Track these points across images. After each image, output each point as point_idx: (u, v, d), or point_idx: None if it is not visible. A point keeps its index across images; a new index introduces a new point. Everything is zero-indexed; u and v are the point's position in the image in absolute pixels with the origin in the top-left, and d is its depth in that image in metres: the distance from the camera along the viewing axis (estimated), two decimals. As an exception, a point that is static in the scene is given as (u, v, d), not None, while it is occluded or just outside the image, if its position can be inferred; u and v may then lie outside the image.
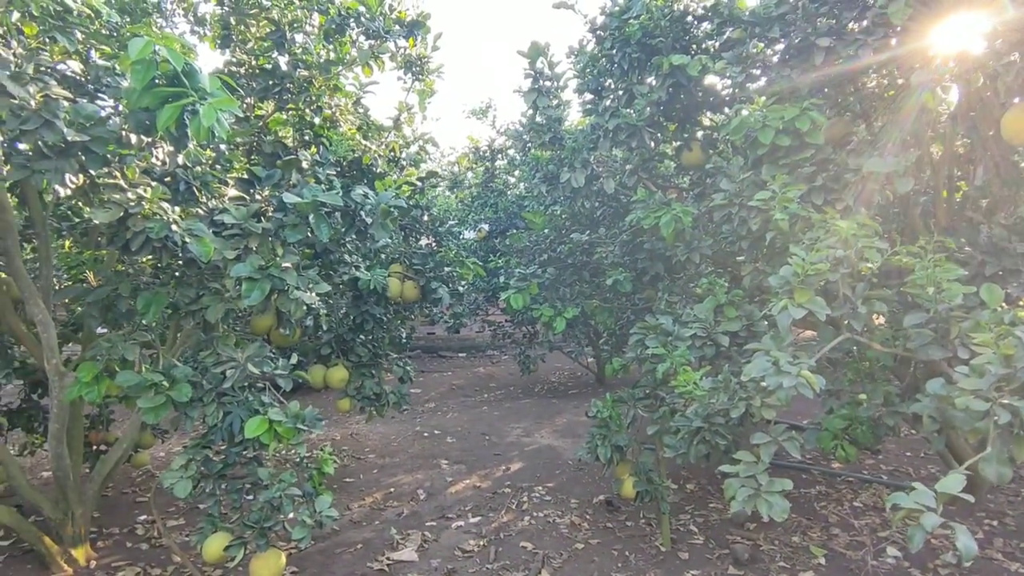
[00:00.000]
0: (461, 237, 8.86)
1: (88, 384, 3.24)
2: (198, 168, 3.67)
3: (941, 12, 2.82)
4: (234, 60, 4.51)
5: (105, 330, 3.95)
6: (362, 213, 3.33)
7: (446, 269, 5.11)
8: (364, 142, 4.53)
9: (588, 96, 4.76)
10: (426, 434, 7.21)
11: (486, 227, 8.96)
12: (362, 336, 5.20)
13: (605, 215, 5.48)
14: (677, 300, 4.25)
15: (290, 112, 4.25)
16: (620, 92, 4.41)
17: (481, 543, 4.34)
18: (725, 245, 4.18)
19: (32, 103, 2.68)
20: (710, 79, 4.37)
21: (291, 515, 3.22)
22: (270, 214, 3.17)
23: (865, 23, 3.23)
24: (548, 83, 4.82)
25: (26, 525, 3.97)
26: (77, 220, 4.34)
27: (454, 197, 9.76)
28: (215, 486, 3.27)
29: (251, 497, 3.38)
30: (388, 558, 4.15)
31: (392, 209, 3.33)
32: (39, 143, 2.75)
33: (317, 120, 4.18)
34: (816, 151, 3.42)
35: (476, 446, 6.68)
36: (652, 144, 4.71)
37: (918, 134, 3.63)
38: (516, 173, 9.17)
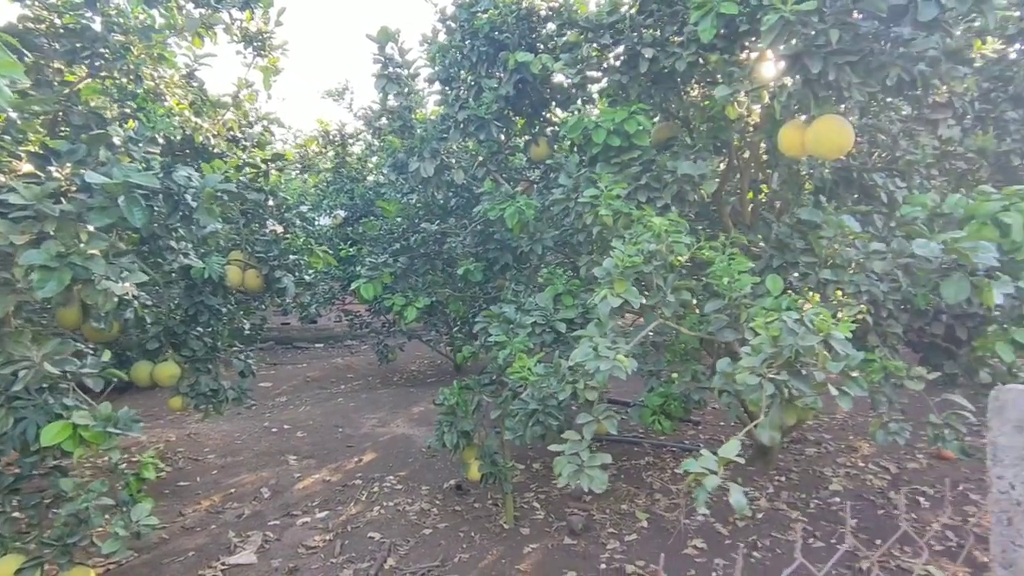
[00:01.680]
0: (316, 223, 8.50)
1: None
2: (-21, 138, 3.17)
3: (740, 36, 3.21)
4: (31, 16, 3.93)
5: None
6: (187, 196, 3.08)
7: (292, 257, 4.89)
8: (195, 119, 4.18)
9: (439, 86, 4.78)
10: (275, 430, 6.87)
11: (342, 213, 8.67)
12: (197, 328, 4.82)
13: (458, 205, 5.55)
14: (523, 289, 4.44)
15: (106, 81, 3.79)
16: (470, 83, 4.48)
17: (327, 538, 4.26)
18: (567, 237, 4.43)
19: None
20: (559, 77, 4.58)
21: (101, 528, 2.93)
22: (72, 195, 2.83)
23: (682, 38, 3.57)
24: (398, 70, 4.76)
25: None
26: None
27: (309, 181, 9.32)
28: (4, 502, 2.89)
29: (55, 511, 3.03)
30: (223, 563, 3.93)
31: (220, 193, 3.11)
32: None
33: (140, 91, 3.78)
34: (642, 152, 3.74)
35: (328, 439, 6.49)
36: (502, 137, 4.85)
37: (727, 141, 4.11)
38: (373, 159, 8.96)
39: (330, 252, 5.47)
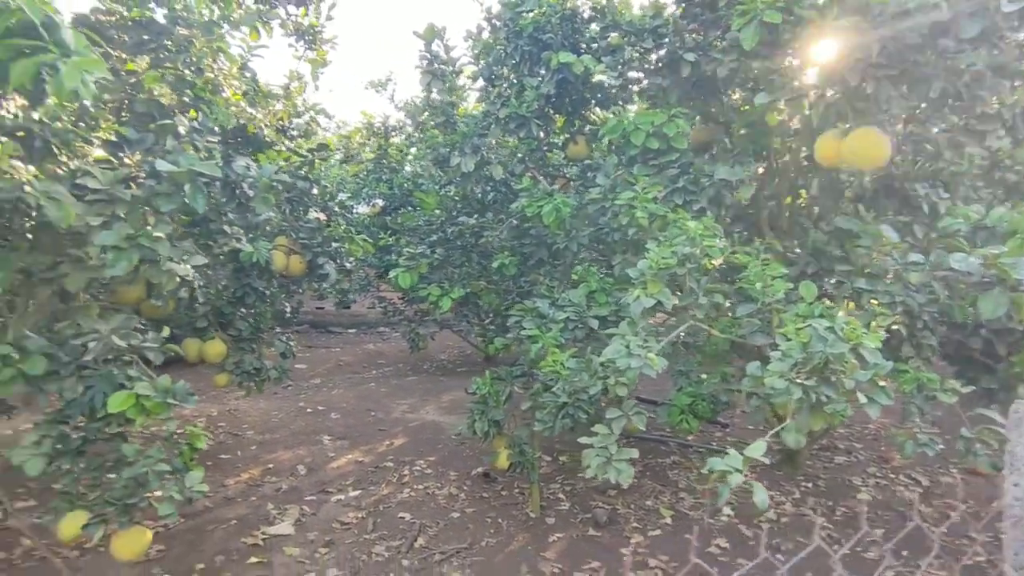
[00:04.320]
0: (354, 212, 8.72)
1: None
2: (57, 124, 3.41)
3: (782, 44, 3.23)
4: (103, 8, 4.17)
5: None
6: (244, 185, 3.26)
7: (334, 245, 5.08)
8: (250, 110, 4.38)
9: (482, 83, 4.89)
10: (309, 410, 7.13)
11: (380, 203, 8.87)
12: (243, 309, 5.06)
13: (495, 200, 5.66)
14: (557, 285, 4.54)
15: (168, 71, 4.00)
16: (513, 81, 4.58)
17: (360, 515, 4.45)
18: (602, 235, 4.51)
19: None
20: (600, 77, 4.65)
21: (158, 492, 3.15)
22: (141, 180, 3.03)
23: (724, 44, 3.60)
24: (443, 67, 4.88)
25: None
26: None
27: (348, 170, 9.56)
28: (73, 463, 3.13)
29: (114, 475, 3.26)
30: (263, 532, 4.15)
31: (275, 183, 3.29)
32: None
33: (199, 82, 3.99)
34: (680, 155, 3.79)
35: (361, 422, 6.71)
36: (541, 135, 4.94)
37: (766, 146, 4.12)
38: (413, 151, 9.13)
39: (369, 240, 5.64)
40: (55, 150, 3.32)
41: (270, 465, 5.40)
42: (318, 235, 5.07)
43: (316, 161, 5.14)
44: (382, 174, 8.46)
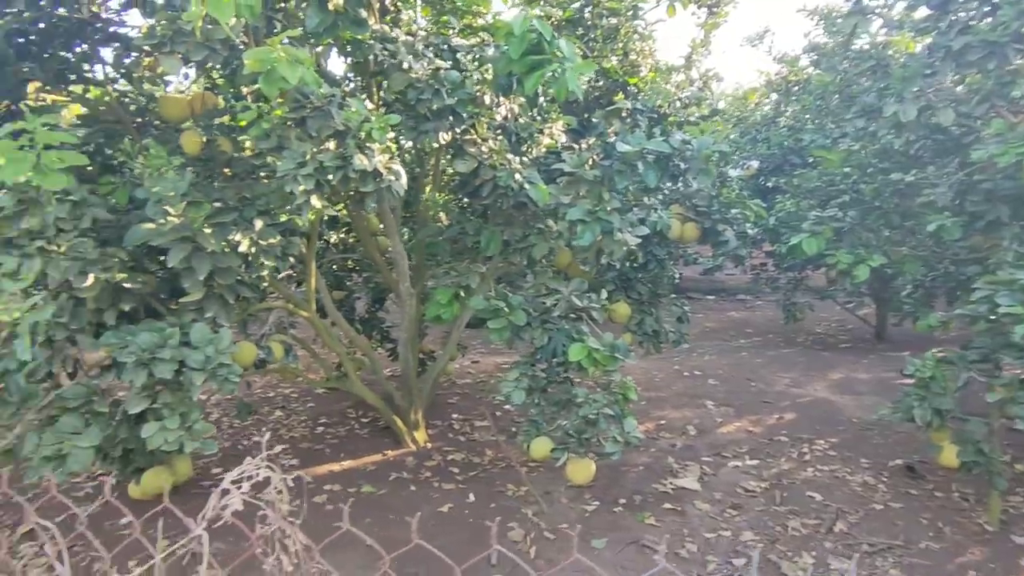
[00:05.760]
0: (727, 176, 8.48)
1: (444, 305, 3.99)
2: (521, 120, 4.13)
3: None
4: (541, 14, 4.86)
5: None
6: (677, 159, 3.44)
7: (732, 211, 5.02)
8: (665, 86, 4.59)
9: (924, 12, 4.11)
10: (686, 374, 7.35)
11: (755, 164, 8.43)
12: (642, 274, 5.43)
13: (926, 151, 4.78)
14: (1030, 252, 3.61)
15: (595, 58, 4.48)
16: (975, 2, 3.73)
17: (763, 485, 4.41)
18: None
19: (423, 76, 3.28)
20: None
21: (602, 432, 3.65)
22: (596, 161, 3.47)
23: None
24: (871, 2, 4.27)
25: (386, 408, 5.11)
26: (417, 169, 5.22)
27: (719, 133, 9.32)
28: (539, 398, 3.84)
29: (564, 411, 3.90)
30: (671, 483, 4.46)
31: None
32: (425, 109, 3.36)
33: (619, 66, 4.35)
34: None
35: (741, 391, 6.62)
36: (1019, 61, 3.94)
37: None
38: (792, 105, 8.35)
39: (762, 205, 5.41)
40: (521, 142, 4.03)
41: (662, 421, 5.75)
42: (715, 202, 5.07)
43: (704, 126, 5.12)
44: (756, 133, 7.99)
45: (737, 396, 6.44)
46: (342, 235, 6.42)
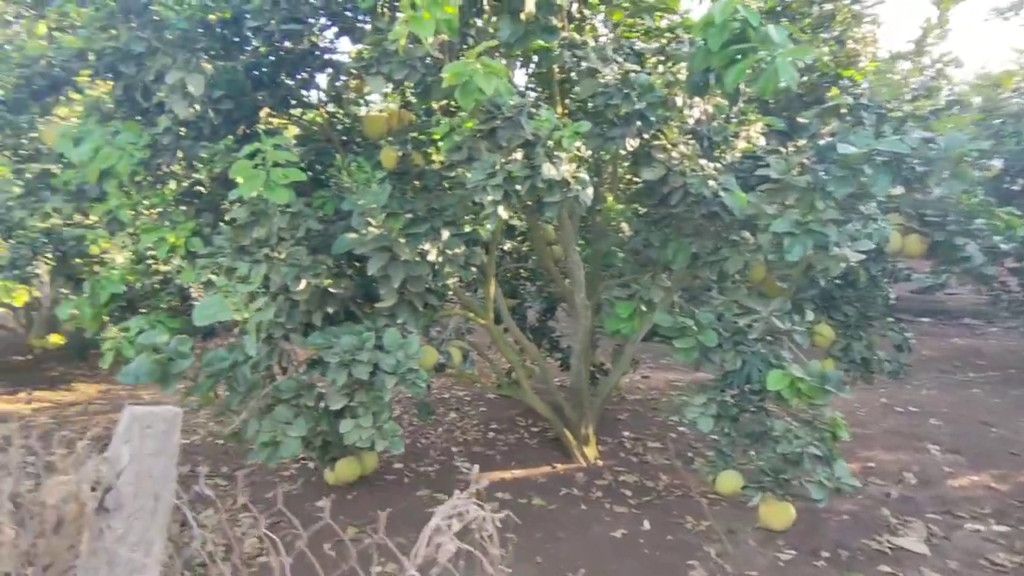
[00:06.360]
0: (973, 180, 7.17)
1: (625, 320, 3.79)
2: (715, 123, 3.79)
3: None
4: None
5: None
6: (912, 161, 2.89)
7: (977, 221, 4.15)
8: (894, 77, 3.94)
9: None
10: (898, 409, 6.31)
11: (997, 164, 7.02)
12: (851, 292, 4.74)
13: None
14: None
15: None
16: None
17: (1016, 560, 3.55)
18: None
19: (611, 79, 3.13)
20: None
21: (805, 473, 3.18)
22: (806, 165, 3.04)
23: None
24: None
25: (556, 419, 5.02)
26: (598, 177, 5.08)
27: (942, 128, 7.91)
28: (729, 427, 3.47)
29: (757, 444, 3.47)
30: (888, 541, 3.78)
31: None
32: (612, 114, 3.21)
33: (832, 57, 3.81)
34: None
35: (975, 435, 5.51)
36: None
37: None
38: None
39: (1016, 214, 4.42)
40: (714, 146, 3.69)
41: (870, 464, 4.96)
42: (952, 211, 4.24)
43: (948, 120, 4.29)
44: (1005, 126, 6.62)
45: (969, 442, 5.36)
46: (516, 243, 6.50)
